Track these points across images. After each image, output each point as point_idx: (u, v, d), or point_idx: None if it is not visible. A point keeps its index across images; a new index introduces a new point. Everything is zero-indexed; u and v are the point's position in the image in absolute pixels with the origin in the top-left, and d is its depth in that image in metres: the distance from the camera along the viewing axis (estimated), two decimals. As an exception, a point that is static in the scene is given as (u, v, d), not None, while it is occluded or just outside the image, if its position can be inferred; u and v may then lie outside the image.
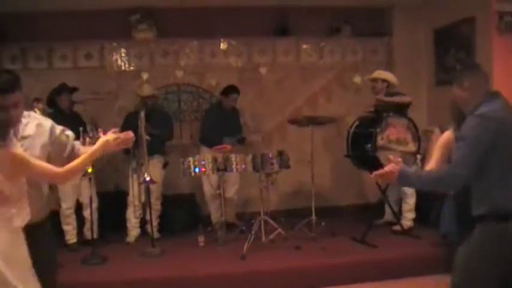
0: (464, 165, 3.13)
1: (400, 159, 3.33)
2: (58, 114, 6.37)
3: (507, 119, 3.25)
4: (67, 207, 6.60)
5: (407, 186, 3.50)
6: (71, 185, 6.45)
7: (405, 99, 6.74)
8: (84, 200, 6.59)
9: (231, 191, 7.40)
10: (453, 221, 4.74)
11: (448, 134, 3.92)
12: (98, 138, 6.10)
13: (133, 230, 6.99)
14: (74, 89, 6.90)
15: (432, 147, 7.52)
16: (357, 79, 8.28)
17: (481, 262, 3.17)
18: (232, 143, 7.11)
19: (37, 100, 6.26)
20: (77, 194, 6.65)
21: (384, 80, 6.80)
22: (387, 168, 3.27)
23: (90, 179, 6.28)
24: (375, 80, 6.89)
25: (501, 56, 6.72)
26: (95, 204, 6.59)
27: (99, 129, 6.31)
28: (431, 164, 3.80)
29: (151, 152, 6.54)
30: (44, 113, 6.00)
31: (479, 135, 3.14)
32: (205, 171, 6.53)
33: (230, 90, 7.39)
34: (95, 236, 6.40)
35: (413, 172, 3.38)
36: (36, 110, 5.87)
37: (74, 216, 6.68)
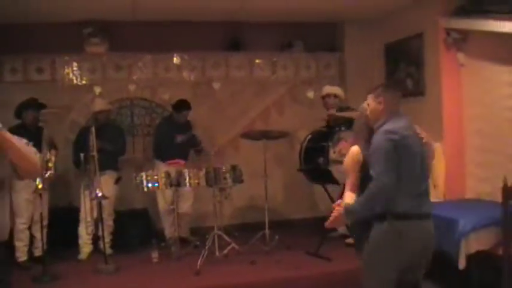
0: (386, 175, 3.48)
1: (340, 200, 3.60)
2: (21, 129, 6.26)
3: (409, 136, 3.66)
4: (21, 222, 6.47)
5: (356, 217, 3.62)
6: (25, 200, 6.35)
7: (355, 113, 6.83)
8: (35, 216, 6.47)
9: (185, 206, 7.37)
10: None
11: (355, 151, 3.89)
12: (49, 160, 6.06)
13: (85, 247, 6.88)
14: (41, 106, 6.74)
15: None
16: (310, 93, 8.36)
17: (375, 254, 3.65)
18: (183, 140, 7.09)
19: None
20: (32, 209, 6.50)
21: (335, 95, 6.90)
22: (334, 214, 3.58)
23: (41, 195, 6.14)
24: (327, 96, 6.98)
25: (448, 70, 6.89)
26: (45, 221, 6.44)
27: (52, 152, 6.26)
28: (349, 188, 3.80)
29: (104, 168, 6.46)
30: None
31: (388, 148, 3.51)
32: (158, 186, 6.48)
33: (182, 107, 7.38)
34: (45, 253, 6.28)
35: (354, 203, 3.61)
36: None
37: (27, 233, 6.55)
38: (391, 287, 3.68)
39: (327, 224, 3.59)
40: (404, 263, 3.69)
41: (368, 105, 3.82)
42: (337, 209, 3.56)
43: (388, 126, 3.63)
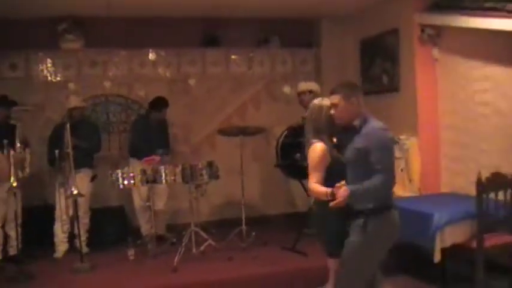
0: (391, 171, 3.85)
1: (343, 182, 3.68)
2: None
3: None
4: None
5: (358, 200, 3.72)
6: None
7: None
8: (9, 214, 6.37)
9: (160, 203, 7.33)
10: None
11: (323, 146, 4.00)
12: (23, 158, 6.00)
13: (61, 245, 6.82)
14: (12, 103, 6.64)
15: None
16: (287, 89, 8.39)
17: (377, 241, 3.89)
18: (164, 154, 7.07)
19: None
20: (5, 208, 6.40)
21: (311, 91, 6.90)
22: (340, 195, 3.61)
23: (15, 194, 6.07)
24: (302, 93, 6.98)
25: (423, 66, 6.93)
26: (19, 219, 6.35)
27: (27, 150, 6.20)
28: (318, 182, 3.93)
29: (79, 165, 6.41)
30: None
31: (391, 145, 3.96)
32: (134, 183, 6.44)
33: (161, 105, 7.33)
34: (20, 252, 6.22)
35: (358, 187, 3.71)
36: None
37: (1, 233, 6.46)
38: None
39: (332, 204, 3.65)
40: (387, 250, 4.04)
41: (335, 104, 3.96)
42: (344, 189, 3.62)
43: (376, 124, 3.92)
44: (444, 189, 6.84)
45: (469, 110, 6.41)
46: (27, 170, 6.27)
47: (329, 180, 3.89)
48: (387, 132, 3.93)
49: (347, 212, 3.89)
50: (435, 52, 6.84)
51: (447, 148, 6.86)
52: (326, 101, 4.12)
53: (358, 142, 3.86)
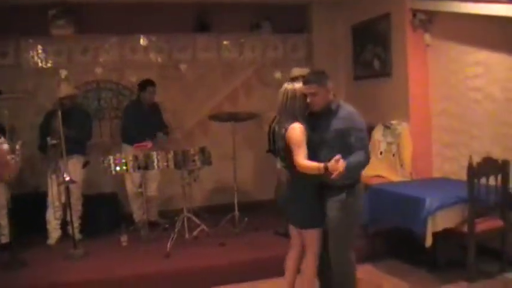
0: (368, 149, 4.28)
1: (339, 155, 3.84)
2: None
3: None
4: None
5: (350, 174, 4.03)
6: None
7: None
8: (0, 202, 6.35)
9: (152, 189, 7.35)
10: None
11: (301, 126, 4.15)
12: (14, 150, 5.96)
13: (54, 232, 6.82)
14: None
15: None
16: (278, 75, 8.38)
17: (357, 209, 4.36)
18: (164, 136, 7.08)
19: None
20: None
21: (303, 77, 6.87)
22: (340, 166, 3.80)
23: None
24: (296, 78, 6.95)
25: (415, 51, 6.94)
26: (8, 206, 6.32)
27: (19, 142, 6.16)
28: (303, 157, 4.07)
29: (70, 152, 6.38)
30: None
31: (364, 126, 4.30)
32: (126, 169, 6.44)
33: (146, 83, 7.32)
34: (13, 240, 6.21)
35: (349, 162, 3.92)
36: None
37: None
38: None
39: (333, 177, 3.82)
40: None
41: (313, 93, 4.19)
42: (342, 163, 3.80)
43: (351, 108, 4.34)
44: (436, 174, 6.89)
45: (460, 96, 6.44)
46: (19, 164, 6.20)
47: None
48: (358, 114, 4.30)
49: (321, 188, 4.28)
50: (427, 37, 6.84)
51: (439, 133, 6.89)
52: (297, 85, 4.29)
53: (336, 124, 4.20)
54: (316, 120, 4.28)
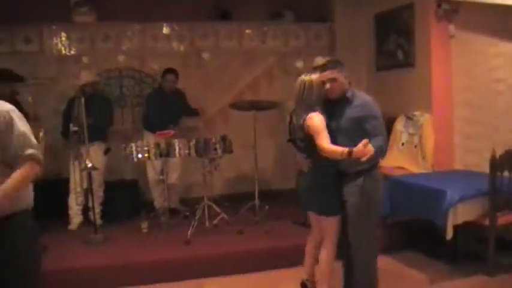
0: (386, 136, 4.35)
1: (367, 139, 3.87)
2: None
3: None
4: None
5: (372, 158, 4.02)
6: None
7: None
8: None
9: (173, 177, 7.39)
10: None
11: (320, 115, 4.22)
12: (37, 135, 6.00)
13: (75, 218, 6.90)
14: (18, 78, 6.60)
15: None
16: (299, 64, 8.33)
17: (376, 196, 4.41)
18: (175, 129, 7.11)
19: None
20: None
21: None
22: (368, 150, 3.83)
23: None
24: (317, 67, 6.92)
25: (439, 42, 6.88)
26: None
27: (42, 129, 6.20)
28: (327, 142, 4.12)
29: (92, 139, 6.40)
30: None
31: (379, 113, 4.31)
32: (148, 156, 6.47)
33: (166, 71, 7.37)
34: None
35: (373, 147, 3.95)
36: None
37: None
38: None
39: (364, 159, 3.88)
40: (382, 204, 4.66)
41: (333, 79, 4.25)
42: (370, 147, 3.84)
43: (366, 96, 4.39)
44: (457, 166, 6.84)
45: (483, 87, 6.38)
46: (42, 150, 6.24)
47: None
48: (374, 102, 4.36)
49: (338, 176, 4.36)
50: (451, 28, 6.77)
51: (461, 125, 6.84)
52: (313, 76, 4.33)
53: (353, 112, 4.26)
54: (332, 108, 4.33)
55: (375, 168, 4.36)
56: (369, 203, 4.34)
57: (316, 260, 4.67)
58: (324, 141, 4.09)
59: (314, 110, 4.23)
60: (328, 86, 4.26)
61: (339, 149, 4.01)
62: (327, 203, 4.39)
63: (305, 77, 4.35)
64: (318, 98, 4.28)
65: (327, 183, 4.37)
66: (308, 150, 4.32)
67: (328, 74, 4.26)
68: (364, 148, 3.81)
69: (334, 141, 4.15)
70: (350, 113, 4.27)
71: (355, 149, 3.85)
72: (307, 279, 4.73)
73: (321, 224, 4.52)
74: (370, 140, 3.98)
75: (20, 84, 6.50)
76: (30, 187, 3.37)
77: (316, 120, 4.17)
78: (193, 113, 7.60)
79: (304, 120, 4.23)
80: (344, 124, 4.27)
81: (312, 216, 4.65)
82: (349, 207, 4.35)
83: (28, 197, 3.38)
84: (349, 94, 4.32)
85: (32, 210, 3.39)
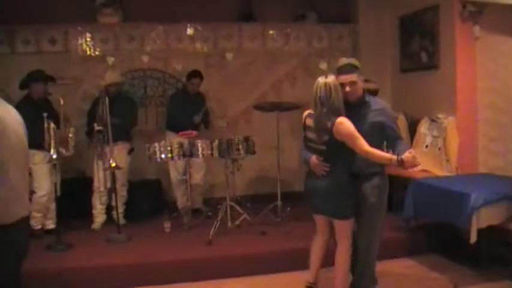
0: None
1: (413, 150, 4.18)
2: (29, 102, 6.29)
3: None
4: (41, 194, 6.44)
5: None
6: (44, 171, 6.37)
7: (372, 86, 6.78)
8: (49, 187, 6.43)
9: (197, 177, 7.43)
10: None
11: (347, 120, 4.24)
12: (67, 136, 6.07)
13: (99, 217, 6.96)
14: (50, 79, 6.63)
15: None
16: (323, 65, 8.31)
17: (385, 197, 4.61)
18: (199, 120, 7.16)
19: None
20: (49, 180, 6.44)
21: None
22: (417, 161, 4.08)
23: (55, 165, 6.14)
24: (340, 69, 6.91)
25: (463, 44, 6.83)
26: (59, 192, 6.43)
27: (72, 129, 6.27)
28: (367, 145, 4.19)
29: (116, 138, 6.45)
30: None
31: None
32: (171, 156, 6.51)
33: (192, 75, 7.41)
34: (58, 223, 6.36)
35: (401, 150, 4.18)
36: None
37: (46, 204, 6.52)
38: None
39: (410, 170, 4.30)
40: None
41: (354, 82, 4.33)
42: (417, 156, 4.07)
43: (381, 101, 4.59)
44: (482, 169, 6.78)
45: (508, 90, 6.33)
46: (71, 150, 6.33)
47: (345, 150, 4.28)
48: (385, 105, 4.55)
49: (355, 176, 4.42)
50: (476, 30, 6.72)
51: (485, 128, 6.78)
52: (329, 79, 4.30)
53: (373, 117, 4.36)
54: (349, 111, 4.31)
55: (384, 168, 4.54)
56: (384, 202, 4.59)
57: (321, 263, 4.71)
58: (365, 145, 4.14)
59: (341, 114, 4.23)
60: (348, 89, 4.29)
61: (387, 155, 4.17)
62: (344, 206, 4.41)
63: (326, 80, 4.29)
64: (341, 100, 4.26)
65: (345, 187, 4.38)
66: (330, 153, 4.31)
67: (350, 77, 4.31)
68: (413, 159, 4.01)
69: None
70: (371, 117, 4.35)
71: (405, 158, 4.01)
72: (313, 283, 4.72)
73: (335, 228, 4.54)
74: (396, 144, 4.31)
75: (50, 84, 6.56)
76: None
77: (348, 125, 4.18)
78: (205, 120, 7.58)
79: (333, 124, 4.20)
80: (365, 128, 4.27)
81: (321, 219, 4.67)
82: (369, 207, 4.47)
83: None
84: (367, 98, 4.42)
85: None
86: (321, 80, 4.31)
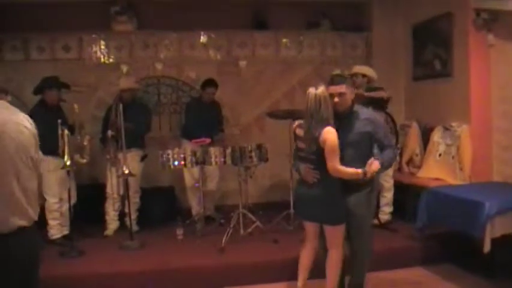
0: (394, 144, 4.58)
1: (372, 158, 4.33)
2: (43, 108, 6.33)
3: None
4: (54, 201, 6.46)
5: (385, 170, 4.71)
6: (57, 179, 6.39)
7: (383, 94, 6.78)
8: (63, 194, 6.47)
9: (211, 184, 7.44)
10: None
11: (335, 132, 4.32)
12: (82, 144, 6.11)
13: (112, 223, 6.98)
14: (64, 85, 6.65)
15: (410, 141, 7.63)
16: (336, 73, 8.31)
17: (372, 206, 4.77)
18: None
19: (4, 92, 6.14)
20: (62, 187, 6.46)
21: (363, 75, 6.83)
22: (375, 169, 4.28)
23: (68, 172, 6.19)
24: (355, 75, 6.92)
25: (477, 52, 6.79)
26: (74, 199, 6.46)
27: (87, 136, 6.31)
28: (338, 163, 4.32)
29: (129, 145, 6.45)
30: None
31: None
32: (184, 164, 6.53)
33: (206, 84, 7.41)
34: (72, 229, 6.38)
35: (382, 161, 4.38)
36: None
37: (60, 211, 6.54)
38: None
39: (369, 176, 4.28)
40: None
41: (343, 93, 4.42)
42: (376, 163, 4.27)
43: (367, 110, 4.71)
44: (495, 178, 6.73)
45: (523, 98, 6.29)
46: (86, 158, 6.37)
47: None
48: (379, 115, 4.79)
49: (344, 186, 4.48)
50: (490, 38, 6.68)
51: (499, 136, 6.74)
52: (319, 90, 4.40)
53: (361, 127, 4.46)
54: (339, 121, 4.43)
55: (375, 178, 4.58)
56: (372, 212, 4.77)
57: (309, 271, 4.82)
58: (336, 162, 4.27)
59: (329, 124, 4.32)
60: (336, 99, 4.41)
61: (353, 171, 4.28)
62: (336, 212, 4.51)
63: (317, 91, 4.41)
64: (331, 111, 4.38)
65: (336, 193, 4.48)
66: (319, 162, 4.39)
67: (339, 88, 4.42)
68: (370, 167, 4.26)
69: (342, 154, 4.31)
70: (359, 126, 4.46)
71: (368, 170, 4.26)
72: None
73: (327, 235, 4.63)
74: (382, 152, 4.50)
75: (64, 91, 6.60)
76: None
77: (333, 136, 4.28)
78: (220, 129, 7.58)
79: (320, 133, 4.30)
80: (352, 137, 4.44)
81: (311, 226, 4.75)
82: (357, 218, 4.54)
83: None
84: (356, 108, 4.53)
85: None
86: (312, 91, 4.44)
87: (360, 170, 4.24)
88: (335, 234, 4.57)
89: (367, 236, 4.69)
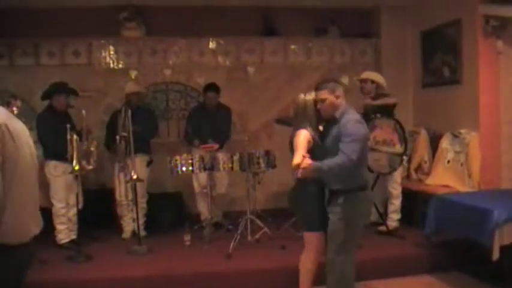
0: (355, 154, 4.16)
1: (307, 155, 4.10)
2: (51, 113, 6.35)
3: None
4: (61, 206, 6.48)
5: (322, 175, 4.35)
6: (64, 183, 6.41)
7: (391, 100, 6.77)
8: (70, 199, 6.48)
9: (221, 189, 7.44)
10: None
11: (307, 133, 4.41)
12: (89, 149, 6.13)
13: (128, 226, 7.01)
14: (72, 92, 6.67)
15: (418, 147, 7.61)
16: (345, 80, 8.31)
17: (356, 217, 4.43)
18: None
19: (13, 97, 6.15)
20: (70, 192, 6.47)
21: (372, 81, 6.83)
22: (305, 165, 4.00)
23: (76, 177, 6.20)
24: (364, 80, 6.92)
25: (486, 59, 6.79)
26: (81, 204, 6.46)
27: (94, 142, 6.34)
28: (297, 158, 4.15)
29: (135, 150, 6.43)
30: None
31: (363, 134, 4.36)
32: (192, 170, 6.54)
33: (207, 88, 7.42)
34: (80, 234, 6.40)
35: (322, 163, 4.14)
36: (14, 108, 5.82)
37: (67, 216, 6.56)
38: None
39: (299, 175, 4.12)
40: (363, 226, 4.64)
41: (323, 99, 4.41)
42: (306, 161, 4.00)
43: (353, 116, 4.40)
44: (504, 185, 6.71)
45: (532, 105, 6.26)
46: (93, 164, 6.39)
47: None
48: (361, 124, 4.38)
49: (325, 192, 4.53)
50: (499, 44, 6.67)
51: (508, 143, 6.72)
52: (310, 96, 4.56)
53: (335, 132, 4.39)
54: (325, 126, 4.60)
55: (358, 190, 4.42)
56: (348, 226, 4.41)
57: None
58: (296, 160, 4.13)
59: (305, 128, 4.43)
60: (318, 105, 4.46)
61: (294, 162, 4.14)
62: (310, 218, 4.62)
63: (305, 97, 4.58)
64: (311, 117, 4.50)
65: (313, 199, 4.59)
66: None
67: (318, 94, 4.46)
68: (302, 162, 4.00)
69: (324, 159, 4.26)
70: (333, 132, 4.44)
71: (293, 162, 4.08)
72: None
73: (304, 237, 4.75)
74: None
75: (72, 97, 6.62)
76: None
77: (298, 136, 4.36)
78: (225, 135, 7.52)
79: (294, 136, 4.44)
80: (328, 143, 4.47)
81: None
82: (330, 223, 4.48)
83: None
84: (337, 113, 4.44)
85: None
86: (301, 96, 4.61)
87: (297, 160, 4.07)
88: (309, 239, 4.69)
89: (339, 251, 4.47)
